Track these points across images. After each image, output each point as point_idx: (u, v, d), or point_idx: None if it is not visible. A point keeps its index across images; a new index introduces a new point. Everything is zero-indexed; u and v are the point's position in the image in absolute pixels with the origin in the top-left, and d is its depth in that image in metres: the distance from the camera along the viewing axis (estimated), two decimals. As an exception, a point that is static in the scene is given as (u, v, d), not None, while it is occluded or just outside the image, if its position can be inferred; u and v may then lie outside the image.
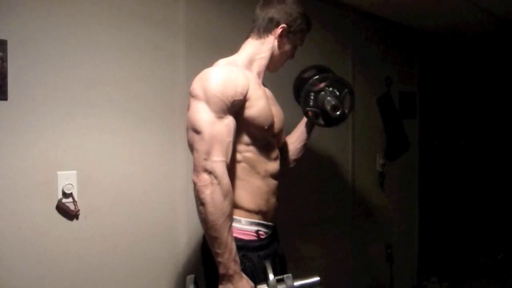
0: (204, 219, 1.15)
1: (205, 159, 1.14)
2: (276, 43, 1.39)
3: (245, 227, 1.28)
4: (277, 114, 1.39)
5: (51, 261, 1.40)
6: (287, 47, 1.42)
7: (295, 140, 1.67)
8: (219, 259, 1.15)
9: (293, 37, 1.42)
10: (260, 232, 1.30)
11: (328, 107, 1.47)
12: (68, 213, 1.43)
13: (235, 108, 1.22)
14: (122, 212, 1.57)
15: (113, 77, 1.54)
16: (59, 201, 1.41)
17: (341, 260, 2.53)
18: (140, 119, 1.61)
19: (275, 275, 1.18)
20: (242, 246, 1.24)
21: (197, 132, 1.17)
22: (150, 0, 1.64)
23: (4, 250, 1.31)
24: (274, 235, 1.39)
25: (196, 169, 1.16)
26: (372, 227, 2.76)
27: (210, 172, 1.14)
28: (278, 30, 1.37)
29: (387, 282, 2.87)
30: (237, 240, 1.22)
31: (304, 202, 2.27)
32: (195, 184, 1.15)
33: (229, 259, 1.14)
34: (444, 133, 3.58)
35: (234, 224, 1.25)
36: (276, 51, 1.40)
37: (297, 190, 2.18)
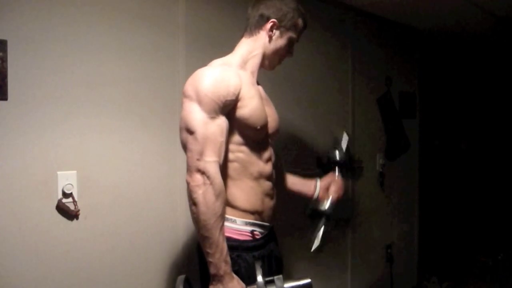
0: (196, 219, 1.16)
1: (198, 159, 1.15)
2: (267, 38, 1.38)
3: (240, 227, 1.27)
4: (271, 114, 1.38)
5: (51, 261, 1.40)
6: (280, 42, 1.39)
7: (288, 186, 1.67)
8: (210, 259, 1.15)
9: (285, 32, 1.39)
10: (255, 232, 1.29)
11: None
12: (68, 213, 1.43)
13: (227, 108, 1.22)
14: (122, 212, 1.57)
15: (113, 77, 1.54)
16: (59, 201, 1.41)
17: (341, 260, 2.53)
18: (140, 119, 1.61)
19: (270, 276, 1.18)
20: (237, 246, 1.24)
21: (190, 132, 1.17)
22: (150, 0, 1.64)
23: (4, 250, 1.31)
24: (270, 235, 1.39)
25: (189, 169, 1.17)
26: (372, 227, 2.75)
27: (203, 172, 1.14)
28: (268, 25, 1.36)
29: (387, 282, 2.87)
30: (232, 240, 1.22)
31: (304, 202, 2.26)
32: (188, 184, 1.16)
33: (220, 259, 1.14)
34: (444, 133, 3.58)
35: (229, 224, 1.25)
36: (269, 48, 1.38)
37: (297, 190, 2.17)
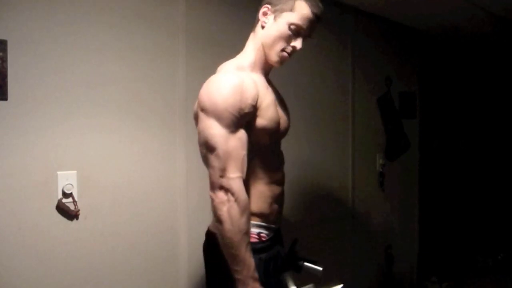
0: (221, 236, 1.14)
1: (221, 176, 1.13)
2: (261, 26, 1.28)
3: None
4: (282, 116, 1.36)
5: (51, 261, 1.40)
6: (274, 28, 1.26)
7: None
8: (238, 276, 1.13)
9: (279, 15, 1.25)
10: (262, 234, 1.28)
11: None
12: (68, 213, 1.43)
13: (245, 119, 1.18)
14: (122, 212, 1.57)
15: (113, 77, 1.54)
16: (59, 201, 1.41)
17: (341, 260, 2.53)
18: (140, 119, 1.61)
19: (276, 276, 1.18)
20: None
21: (211, 149, 1.14)
22: (150, 0, 1.64)
23: (4, 250, 1.31)
24: (276, 237, 1.37)
25: (212, 186, 1.15)
26: (372, 227, 2.75)
27: (227, 190, 1.12)
28: (261, 11, 1.29)
29: (387, 282, 2.87)
30: None
31: (304, 202, 2.27)
32: (212, 200, 1.14)
33: (247, 276, 1.12)
34: (444, 133, 3.58)
35: None
36: (263, 36, 1.28)
37: (296, 190, 2.18)
